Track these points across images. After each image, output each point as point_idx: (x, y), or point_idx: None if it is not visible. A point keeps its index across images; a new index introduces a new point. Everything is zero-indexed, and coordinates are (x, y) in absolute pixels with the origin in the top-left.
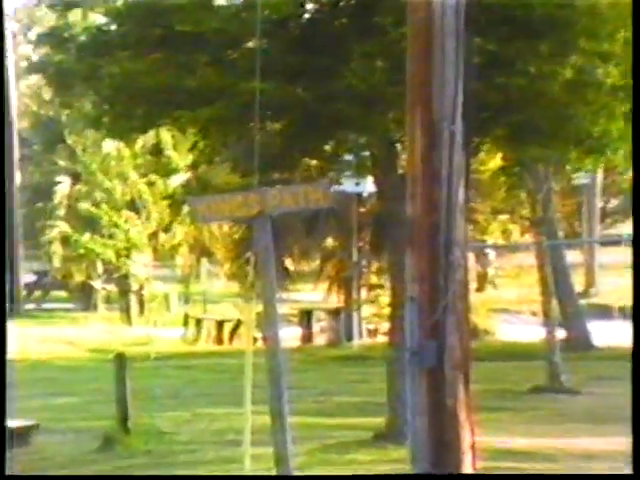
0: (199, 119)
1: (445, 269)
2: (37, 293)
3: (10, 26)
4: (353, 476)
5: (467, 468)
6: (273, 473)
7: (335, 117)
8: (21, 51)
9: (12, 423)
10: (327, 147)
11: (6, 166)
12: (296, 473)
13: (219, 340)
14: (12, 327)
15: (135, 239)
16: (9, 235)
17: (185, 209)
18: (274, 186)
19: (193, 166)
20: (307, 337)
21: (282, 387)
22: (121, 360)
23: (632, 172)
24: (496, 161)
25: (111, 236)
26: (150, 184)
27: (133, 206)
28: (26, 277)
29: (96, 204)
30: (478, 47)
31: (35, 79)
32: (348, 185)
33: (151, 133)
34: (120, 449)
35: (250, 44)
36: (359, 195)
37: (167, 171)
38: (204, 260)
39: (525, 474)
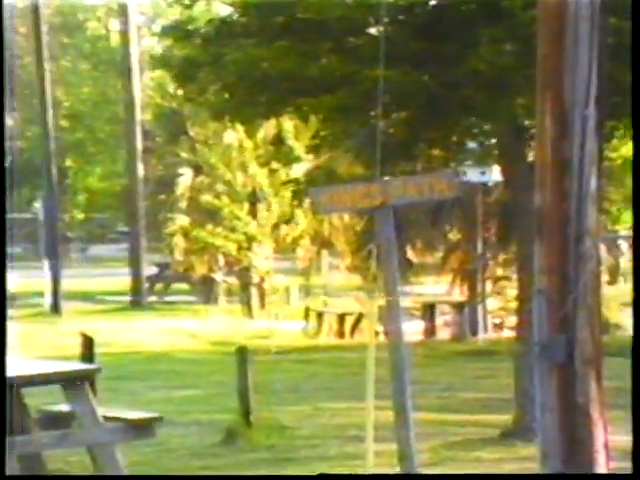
0: (322, 107)
1: (575, 260)
2: (159, 286)
3: (135, 19)
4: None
5: (600, 467)
6: (397, 470)
7: (461, 104)
8: (145, 44)
9: (135, 414)
10: (452, 135)
11: (128, 158)
12: (421, 471)
13: (340, 334)
14: (135, 319)
15: (256, 231)
16: (132, 227)
17: (306, 200)
18: (397, 176)
19: (315, 156)
20: (430, 331)
21: (405, 382)
22: (243, 353)
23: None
24: (629, 147)
25: (232, 228)
26: (271, 175)
27: (254, 198)
28: (148, 270)
29: (217, 196)
30: (613, 26)
31: (159, 72)
32: (473, 174)
33: (272, 123)
34: (242, 443)
35: (374, 31)
36: (484, 185)
37: (288, 161)
38: (325, 252)
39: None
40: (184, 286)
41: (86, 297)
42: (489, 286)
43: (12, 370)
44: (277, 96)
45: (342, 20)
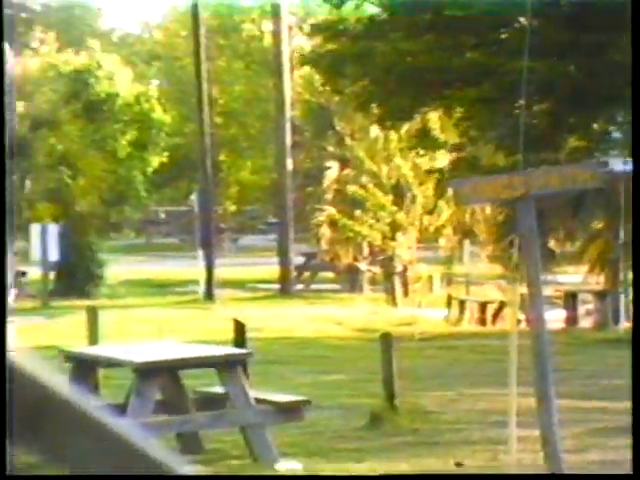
0: (466, 99)
1: None
2: (306, 274)
3: (286, 19)
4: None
5: None
6: (540, 455)
7: (605, 94)
8: (295, 43)
9: (285, 398)
10: (594, 125)
11: (278, 153)
12: (564, 457)
13: (482, 321)
14: (284, 307)
15: (400, 221)
16: (281, 219)
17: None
18: (539, 166)
19: (458, 147)
20: (572, 319)
21: (547, 369)
22: (387, 340)
23: (632, 171)
24: None
25: (377, 219)
26: (415, 166)
27: (398, 189)
28: (296, 259)
29: (363, 187)
30: None
31: (307, 69)
32: (616, 163)
33: (416, 116)
34: (387, 427)
35: (518, 25)
36: (628, 173)
37: (432, 152)
38: (467, 242)
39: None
40: (330, 275)
41: (238, 285)
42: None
43: (170, 353)
44: (423, 88)
45: (487, 15)
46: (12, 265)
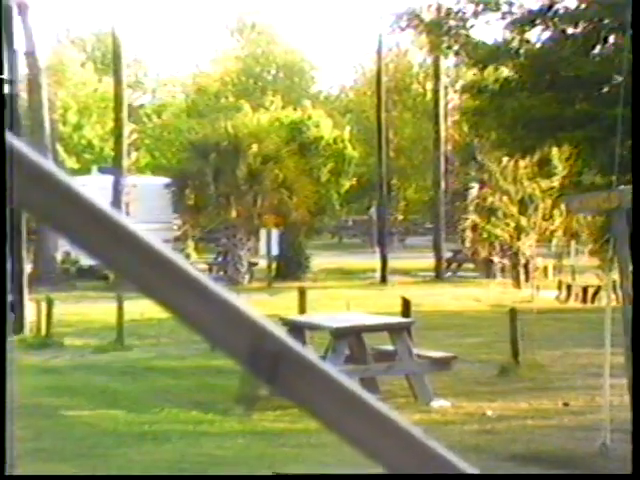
0: (575, 138)
1: None
2: (453, 265)
3: (443, 80)
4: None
5: None
6: (625, 398)
7: None
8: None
9: (438, 354)
10: None
11: (434, 177)
12: None
13: (584, 300)
14: (437, 289)
15: (523, 225)
16: (436, 224)
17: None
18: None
19: (568, 172)
20: None
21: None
22: (513, 313)
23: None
24: None
25: (507, 223)
26: (537, 186)
27: (523, 202)
28: (446, 254)
29: (497, 201)
30: None
31: (457, 117)
32: None
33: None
34: (512, 376)
35: (616, 80)
36: None
37: (550, 176)
38: (573, 241)
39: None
40: (471, 266)
41: (404, 273)
42: None
43: (356, 321)
44: (542, 132)
45: (592, 74)
46: (247, 258)
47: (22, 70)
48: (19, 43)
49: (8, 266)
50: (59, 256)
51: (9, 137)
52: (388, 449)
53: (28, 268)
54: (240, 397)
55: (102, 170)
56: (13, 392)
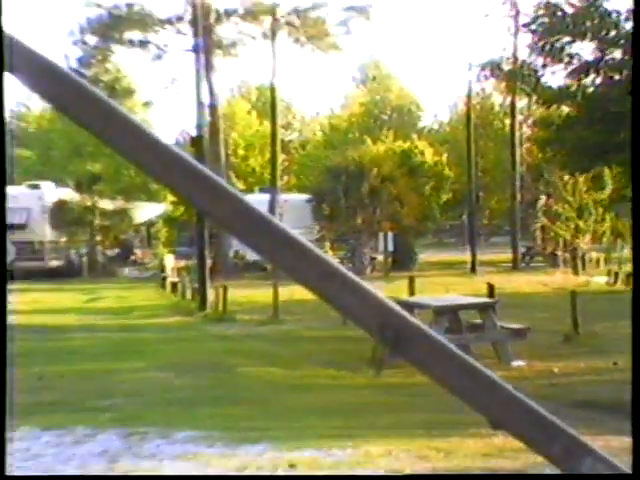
0: (621, 161)
1: None
2: (527, 258)
3: (518, 118)
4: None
5: None
6: None
7: None
8: (524, 130)
9: (517, 325)
10: None
11: (511, 191)
12: None
13: (628, 284)
14: (514, 276)
15: (581, 227)
16: (513, 227)
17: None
18: None
19: (617, 188)
20: None
21: None
22: (573, 294)
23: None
24: None
25: (568, 226)
26: (591, 196)
27: (581, 209)
28: (521, 249)
29: (562, 208)
30: None
31: (529, 144)
32: None
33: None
34: (573, 342)
35: None
36: None
37: (601, 189)
38: (619, 239)
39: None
40: (540, 258)
41: (488, 264)
42: None
43: (453, 301)
44: (595, 155)
45: None
46: (369, 254)
47: (206, 118)
48: (205, 98)
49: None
50: (231, 254)
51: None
52: (484, 399)
53: (209, 263)
54: (372, 361)
55: (262, 190)
56: (200, 354)
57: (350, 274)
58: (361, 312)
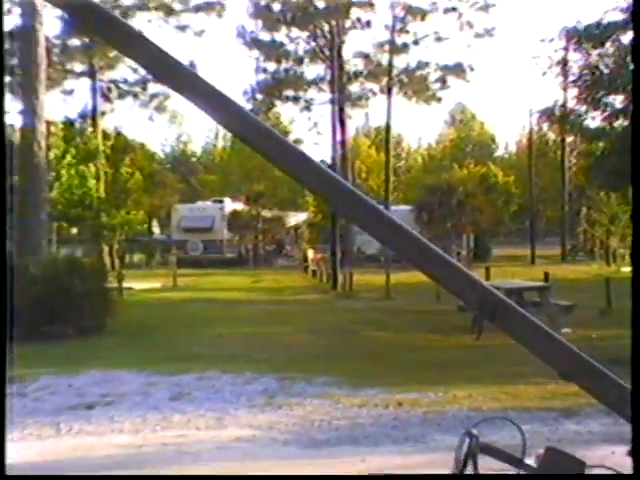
0: None
1: None
2: (572, 253)
3: (567, 149)
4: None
5: None
6: None
7: None
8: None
9: (565, 302)
10: None
11: (562, 203)
12: None
13: None
14: (562, 267)
15: (612, 230)
16: (562, 230)
17: None
18: None
19: None
20: None
21: None
22: (607, 279)
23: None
24: None
25: (602, 229)
26: (621, 207)
27: (613, 216)
28: (568, 246)
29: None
30: None
31: (574, 169)
32: None
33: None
34: (607, 315)
35: None
36: None
37: (629, 203)
38: None
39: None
40: (582, 253)
41: (544, 257)
42: None
43: (519, 284)
44: (625, 178)
45: None
46: (455, 250)
47: (339, 151)
48: (338, 136)
49: (328, 255)
50: (355, 249)
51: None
52: (556, 358)
53: (339, 256)
54: (473, 329)
55: (378, 203)
56: (333, 322)
57: (456, 262)
58: (466, 291)
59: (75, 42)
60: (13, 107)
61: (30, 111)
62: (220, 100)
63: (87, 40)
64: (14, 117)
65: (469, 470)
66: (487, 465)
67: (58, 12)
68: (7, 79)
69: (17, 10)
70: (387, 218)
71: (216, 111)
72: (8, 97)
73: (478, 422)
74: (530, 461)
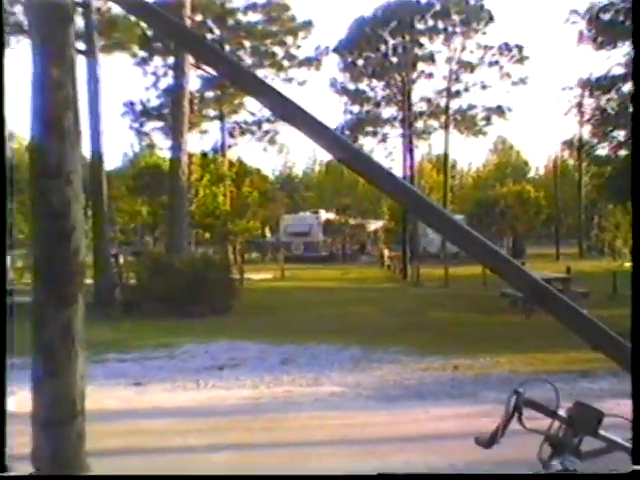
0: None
1: None
2: (587, 252)
3: (582, 172)
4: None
5: None
6: None
7: None
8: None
9: (581, 289)
10: None
11: (579, 214)
12: None
13: None
14: (581, 263)
15: (617, 235)
16: (579, 233)
17: None
18: None
19: None
20: None
21: None
22: (614, 272)
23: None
24: None
25: (610, 234)
26: (625, 218)
27: (617, 225)
28: (584, 246)
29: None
30: None
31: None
32: None
33: None
34: (614, 300)
35: None
36: None
37: (629, 213)
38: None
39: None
40: (595, 252)
41: (566, 255)
42: None
43: (546, 275)
44: (626, 194)
45: None
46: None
47: (407, 173)
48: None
49: (399, 253)
50: (420, 249)
51: None
52: (588, 332)
53: (408, 254)
54: (512, 310)
55: None
56: (404, 304)
57: (508, 257)
58: (518, 279)
59: (209, 94)
60: (165, 144)
61: (177, 147)
62: (327, 132)
63: (219, 92)
64: (166, 152)
65: (515, 419)
66: (530, 415)
67: (199, 72)
68: (160, 124)
69: (171, 72)
70: (459, 225)
71: (323, 140)
72: (161, 137)
73: (522, 383)
74: (562, 412)
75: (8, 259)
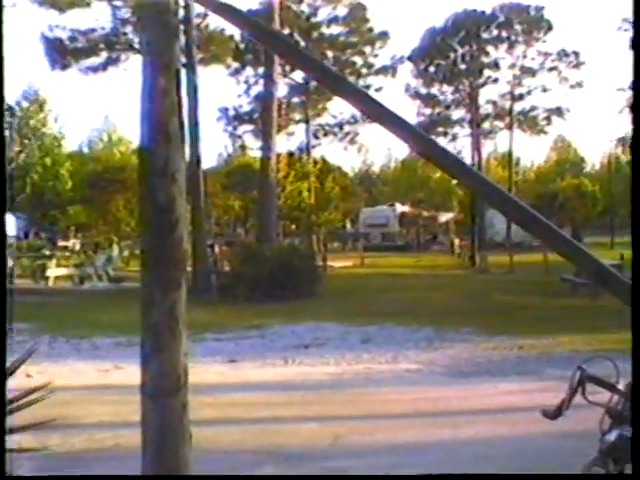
0: None
1: None
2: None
3: None
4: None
5: None
6: None
7: None
8: None
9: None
10: None
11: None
12: None
13: None
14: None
15: None
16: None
17: None
18: None
19: None
20: None
21: None
22: None
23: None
24: None
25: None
26: None
27: None
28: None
29: None
30: None
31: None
32: None
33: None
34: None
35: None
36: None
37: None
38: None
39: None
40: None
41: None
42: None
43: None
44: None
45: None
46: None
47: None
48: (474, 160)
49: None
50: (487, 238)
51: None
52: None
53: (477, 243)
54: (572, 294)
55: None
56: (472, 289)
57: (578, 244)
58: (586, 264)
59: (296, 100)
60: (255, 145)
61: (267, 147)
62: (410, 128)
63: (304, 98)
64: (256, 152)
65: (579, 393)
66: (592, 390)
67: (287, 80)
68: (251, 127)
69: (261, 81)
70: (531, 213)
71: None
72: (252, 139)
73: (586, 360)
74: (621, 386)
75: (116, 249)
